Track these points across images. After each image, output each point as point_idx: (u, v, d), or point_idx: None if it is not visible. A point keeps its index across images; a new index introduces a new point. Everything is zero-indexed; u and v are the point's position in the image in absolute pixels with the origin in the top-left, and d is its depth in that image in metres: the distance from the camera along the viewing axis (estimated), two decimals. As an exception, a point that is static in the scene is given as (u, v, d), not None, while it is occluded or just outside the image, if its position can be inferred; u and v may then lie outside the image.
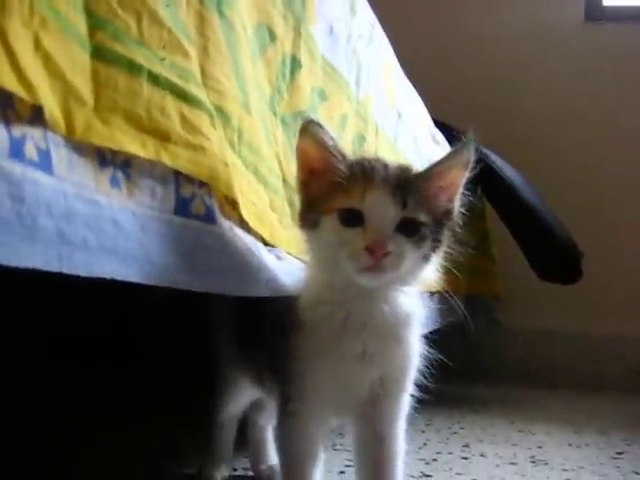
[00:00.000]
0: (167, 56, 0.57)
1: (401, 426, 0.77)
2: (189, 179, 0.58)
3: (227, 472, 1.09)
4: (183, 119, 0.57)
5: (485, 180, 2.08)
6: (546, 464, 1.31)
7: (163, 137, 0.54)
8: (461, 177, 0.73)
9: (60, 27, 0.44)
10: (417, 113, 1.68)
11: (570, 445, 1.49)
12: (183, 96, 0.58)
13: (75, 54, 0.47)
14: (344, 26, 1.10)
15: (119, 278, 0.48)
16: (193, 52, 0.62)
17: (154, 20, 0.55)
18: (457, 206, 0.75)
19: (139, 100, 0.52)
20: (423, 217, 0.69)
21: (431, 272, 0.75)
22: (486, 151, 2.04)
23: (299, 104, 0.94)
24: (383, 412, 0.76)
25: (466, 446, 1.44)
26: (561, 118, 2.62)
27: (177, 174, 0.56)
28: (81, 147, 0.46)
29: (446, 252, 0.76)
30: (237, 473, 1.13)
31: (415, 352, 0.76)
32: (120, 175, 0.50)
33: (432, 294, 1.72)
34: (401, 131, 1.47)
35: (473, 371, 2.40)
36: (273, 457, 1.07)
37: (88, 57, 0.48)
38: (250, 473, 1.12)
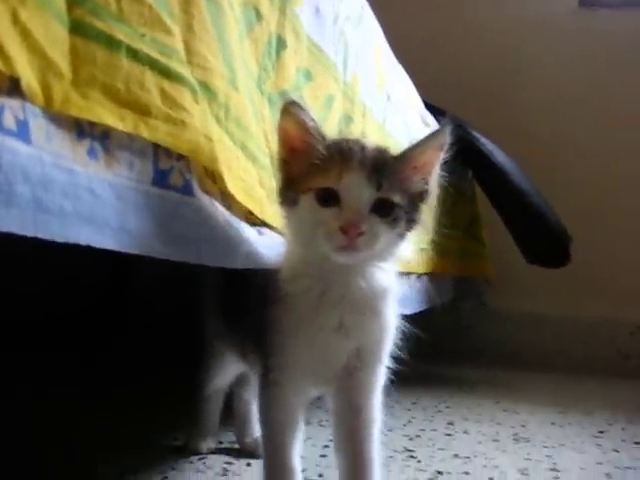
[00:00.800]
0: (148, 32, 0.58)
1: (377, 397, 0.80)
2: (168, 152, 0.59)
3: (213, 444, 1.13)
4: (163, 94, 0.59)
5: (476, 165, 2.10)
6: (528, 441, 1.34)
7: (142, 111, 0.56)
8: (436, 159, 0.75)
9: (38, 3, 0.46)
10: (407, 96, 1.69)
11: (553, 424, 1.52)
12: (164, 72, 0.59)
13: (53, 29, 0.48)
14: (331, 7, 1.11)
15: (95, 245, 0.50)
16: (176, 29, 0.63)
17: (134, -4, 0.56)
18: (433, 187, 0.76)
19: (118, 74, 0.53)
20: (397, 198, 0.71)
21: (407, 250, 0.76)
22: (477, 135, 2.05)
23: (284, 84, 0.95)
24: (360, 383, 0.78)
25: (450, 424, 1.47)
26: (554, 104, 2.64)
27: (156, 147, 0.58)
28: (59, 118, 0.48)
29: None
30: (223, 446, 1.16)
31: (391, 325, 0.78)
32: (98, 147, 0.51)
33: (419, 276, 1.75)
34: (390, 113, 1.48)
35: (462, 353, 2.44)
36: (258, 430, 1.10)
37: (67, 32, 0.49)
38: (236, 446, 1.15)
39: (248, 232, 0.74)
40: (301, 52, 1.02)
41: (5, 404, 1.36)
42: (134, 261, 2.19)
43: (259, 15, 0.87)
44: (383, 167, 0.70)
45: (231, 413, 1.14)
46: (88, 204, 0.49)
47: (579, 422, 1.55)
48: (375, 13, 1.41)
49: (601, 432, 1.46)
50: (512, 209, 2.04)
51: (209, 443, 1.12)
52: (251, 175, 0.78)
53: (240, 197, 0.73)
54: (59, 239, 0.46)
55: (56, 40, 0.48)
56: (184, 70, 0.62)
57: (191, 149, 0.61)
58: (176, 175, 0.60)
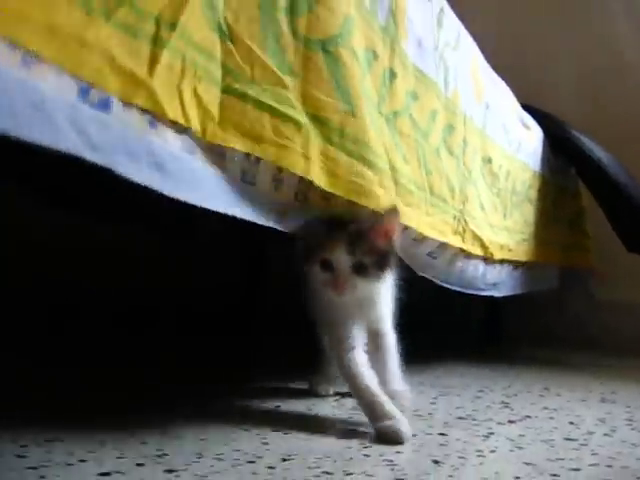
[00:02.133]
0: (269, 87, 0.89)
1: (388, 326, 1.18)
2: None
3: (332, 390, 1.39)
4: (274, 128, 0.91)
5: (577, 160, 2.27)
6: (613, 403, 1.50)
7: (258, 139, 0.88)
8: (395, 229, 1.08)
9: (208, 80, 0.79)
10: (505, 103, 1.90)
11: (643, 396, 1.66)
12: (277, 113, 0.91)
13: (214, 92, 0.81)
14: (432, 38, 1.36)
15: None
16: (291, 83, 0.94)
17: (262, 66, 0.88)
18: (396, 247, 1.10)
19: (245, 117, 0.86)
20: (367, 260, 1.05)
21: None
22: (577, 134, 2.23)
23: (396, 105, 1.23)
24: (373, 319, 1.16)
25: (546, 389, 1.66)
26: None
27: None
28: (213, 147, 0.82)
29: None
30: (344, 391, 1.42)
31: (384, 302, 1.16)
32: (237, 166, 0.88)
33: (518, 264, 1.94)
34: (489, 120, 1.71)
35: (568, 341, 2.59)
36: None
37: (219, 92, 0.82)
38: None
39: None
40: (408, 78, 1.28)
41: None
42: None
43: (375, 55, 1.15)
44: (358, 239, 1.05)
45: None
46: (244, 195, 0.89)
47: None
48: (473, 19, 1.63)
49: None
50: (610, 200, 2.20)
51: (329, 388, 1.38)
52: (367, 178, 1.07)
53: (352, 196, 1.05)
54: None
55: (213, 97, 0.81)
56: (291, 111, 0.93)
57: (289, 164, 0.93)
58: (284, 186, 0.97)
